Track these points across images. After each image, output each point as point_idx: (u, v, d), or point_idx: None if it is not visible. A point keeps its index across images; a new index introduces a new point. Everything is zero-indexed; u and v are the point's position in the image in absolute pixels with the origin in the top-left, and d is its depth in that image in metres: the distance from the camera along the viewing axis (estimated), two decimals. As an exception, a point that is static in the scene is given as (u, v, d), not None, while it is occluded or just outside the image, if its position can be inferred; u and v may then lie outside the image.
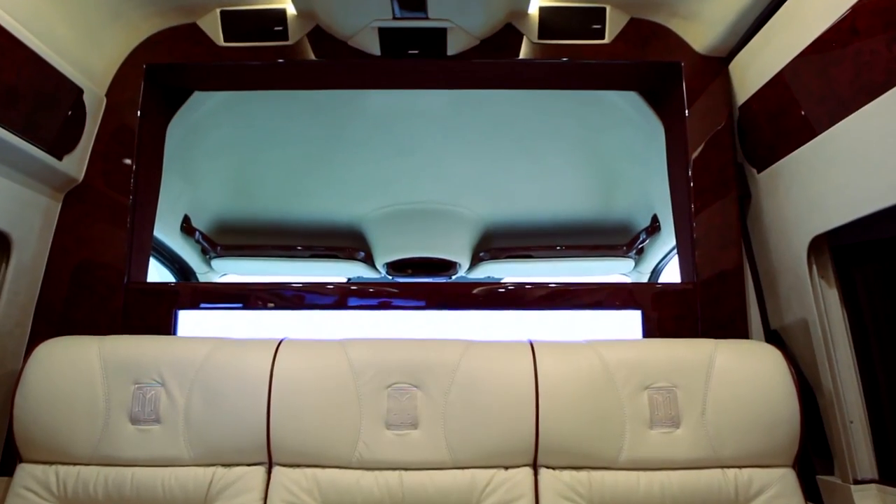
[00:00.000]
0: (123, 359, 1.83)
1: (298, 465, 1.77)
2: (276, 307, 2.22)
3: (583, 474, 1.76)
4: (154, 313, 2.18)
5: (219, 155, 3.06)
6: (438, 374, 1.82)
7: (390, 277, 3.61)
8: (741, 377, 1.81)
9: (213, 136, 2.91)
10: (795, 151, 1.92)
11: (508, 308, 2.22)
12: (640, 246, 3.44)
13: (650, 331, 2.17)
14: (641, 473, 1.76)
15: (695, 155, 2.23)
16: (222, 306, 2.24)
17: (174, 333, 2.17)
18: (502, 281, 2.27)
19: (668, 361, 1.84)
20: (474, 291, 2.24)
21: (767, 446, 1.76)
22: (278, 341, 1.88)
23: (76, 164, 2.17)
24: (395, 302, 2.22)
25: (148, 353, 1.85)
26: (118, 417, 1.78)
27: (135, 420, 1.78)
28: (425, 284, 2.28)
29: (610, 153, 3.04)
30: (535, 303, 2.22)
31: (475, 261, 3.59)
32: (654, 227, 3.28)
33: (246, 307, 2.22)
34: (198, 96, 2.61)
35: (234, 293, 2.27)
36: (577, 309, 2.21)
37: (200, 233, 3.40)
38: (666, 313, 2.18)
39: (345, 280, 3.66)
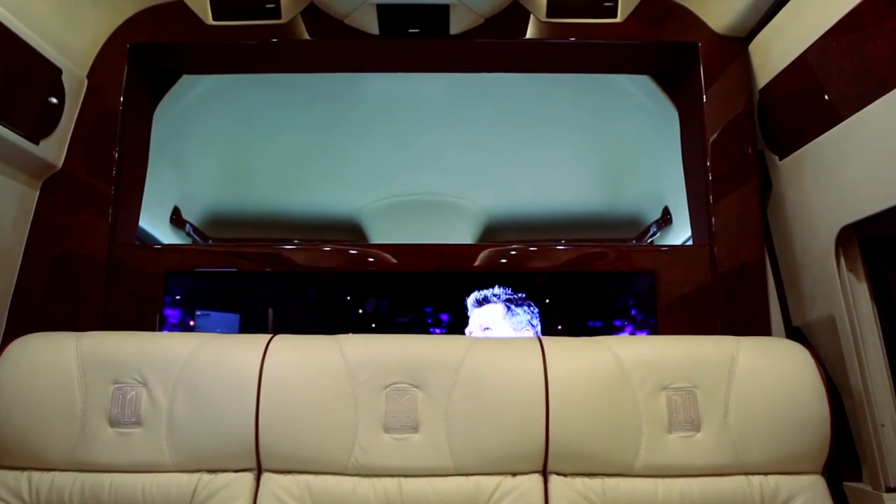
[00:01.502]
0: (102, 356, 1.71)
1: (289, 472, 1.65)
2: (272, 270, 2.15)
3: (596, 481, 1.64)
4: (140, 277, 2.08)
5: (210, 143, 2.94)
6: (440, 373, 1.70)
7: None
8: (766, 377, 1.68)
9: (205, 122, 2.79)
10: (822, 136, 1.80)
11: (514, 271, 2.15)
12: (650, 239, 3.32)
13: (664, 294, 2.07)
14: (659, 481, 1.64)
15: (712, 141, 2.11)
16: (214, 270, 2.15)
17: (164, 299, 2.08)
18: (506, 243, 2.16)
19: (687, 360, 1.72)
20: (478, 254, 2.15)
21: (795, 452, 1.64)
22: (269, 337, 1.76)
23: (54, 149, 2.04)
24: (395, 264, 2.15)
25: (129, 350, 1.72)
26: (96, 420, 1.66)
27: (114, 422, 1.66)
28: (425, 247, 2.17)
29: (619, 142, 2.92)
30: (542, 266, 2.13)
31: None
32: (665, 220, 3.15)
33: (240, 271, 2.15)
34: (187, 80, 2.49)
35: (227, 256, 2.16)
36: (586, 271, 2.13)
37: (191, 225, 3.28)
38: (680, 276, 2.08)
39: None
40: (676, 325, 2.05)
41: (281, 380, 1.67)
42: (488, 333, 2.16)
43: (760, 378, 1.68)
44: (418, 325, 2.19)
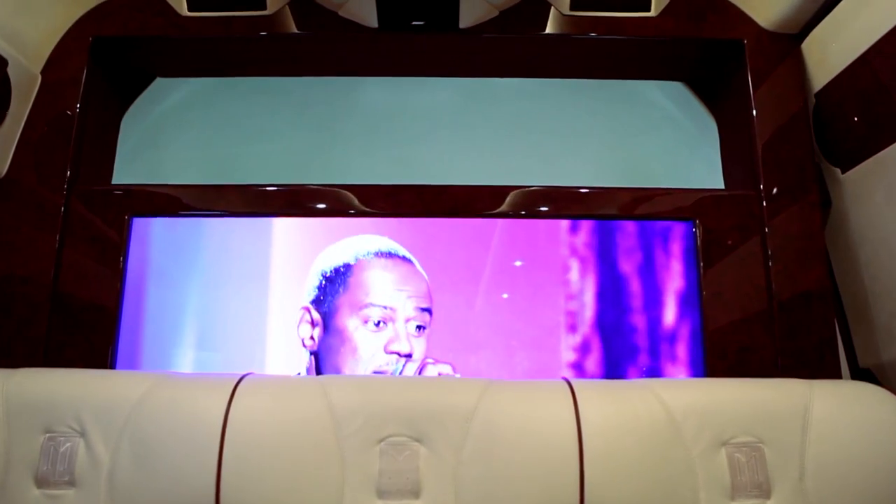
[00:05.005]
0: (33, 399, 1.40)
1: (258, 547, 1.32)
2: (256, 214, 1.87)
3: (645, 562, 1.31)
4: (101, 220, 1.81)
5: (190, 158, 2.64)
6: (448, 423, 1.39)
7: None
8: (849, 430, 1.37)
9: (184, 134, 2.50)
10: None
11: (533, 217, 1.88)
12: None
13: (706, 243, 1.81)
14: (722, 561, 1.32)
15: (763, 152, 1.83)
16: (189, 213, 1.87)
17: (127, 246, 1.82)
18: (523, 185, 1.93)
19: (749, 408, 1.41)
20: (490, 196, 1.89)
21: None
22: (238, 378, 1.44)
23: None
24: (396, 208, 1.88)
25: (66, 391, 1.41)
26: (20, 478, 1.35)
27: (42, 482, 1.35)
28: (429, 188, 1.91)
29: (644, 160, 2.63)
30: (564, 210, 1.88)
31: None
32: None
33: (221, 214, 1.87)
34: (162, 84, 2.21)
35: (203, 197, 1.89)
36: (615, 219, 1.87)
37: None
38: (723, 223, 1.82)
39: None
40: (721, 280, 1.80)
41: (250, 430, 1.36)
42: None
43: (842, 431, 1.37)
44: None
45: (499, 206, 1.87)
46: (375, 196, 1.88)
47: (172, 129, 2.39)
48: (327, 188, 1.89)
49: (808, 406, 1.40)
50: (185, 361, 1.80)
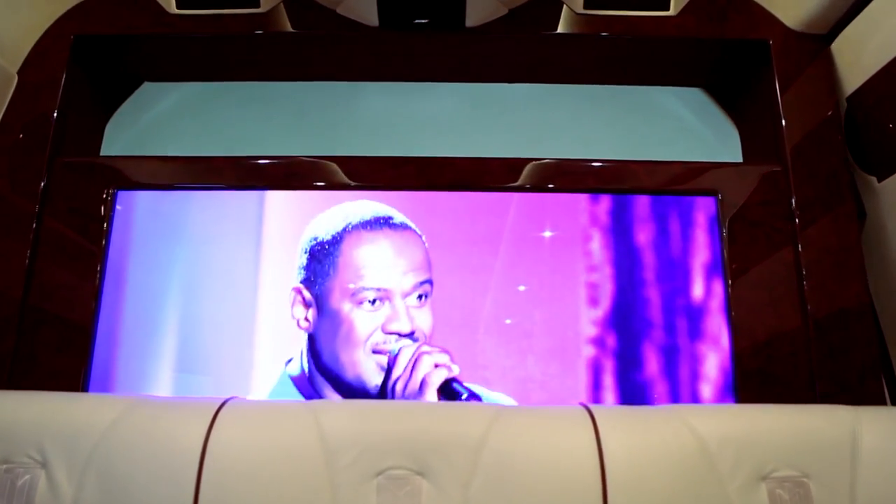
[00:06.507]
0: None
1: None
2: (249, 188, 1.77)
3: None
4: (84, 193, 1.72)
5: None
6: (454, 455, 1.25)
7: None
8: None
9: (173, 142, 2.39)
10: None
11: (545, 191, 1.77)
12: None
13: (733, 220, 1.72)
14: None
15: (792, 160, 1.71)
16: (178, 186, 1.78)
17: (111, 221, 1.72)
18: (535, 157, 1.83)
19: (791, 438, 1.27)
20: (499, 169, 1.78)
21: None
22: (219, 403, 1.30)
23: None
24: (397, 181, 1.78)
25: (27, 416, 1.28)
26: None
27: None
28: (434, 160, 1.82)
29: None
30: (579, 184, 1.78)
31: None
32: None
33: (211, 187, 1.78)
34: (151, 90, 2.11)
35: (193, 168, 1.80)
36: (632, 194, 1.77)
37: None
38: (749, 199, 1.72)
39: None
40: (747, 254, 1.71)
41: (231, 461, 1.23)
42: None
43: None
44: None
45: (510, 180, 1.77)
46: (376, 168, 1.78)
47: (161, 138, 2.28)
48: (323, 160, 1.79)
49: (856, 435, 1.27)
50: (164, 379, 1.66)
